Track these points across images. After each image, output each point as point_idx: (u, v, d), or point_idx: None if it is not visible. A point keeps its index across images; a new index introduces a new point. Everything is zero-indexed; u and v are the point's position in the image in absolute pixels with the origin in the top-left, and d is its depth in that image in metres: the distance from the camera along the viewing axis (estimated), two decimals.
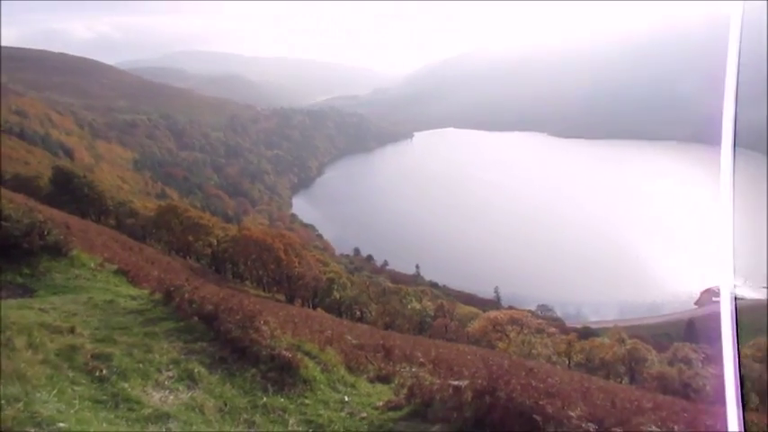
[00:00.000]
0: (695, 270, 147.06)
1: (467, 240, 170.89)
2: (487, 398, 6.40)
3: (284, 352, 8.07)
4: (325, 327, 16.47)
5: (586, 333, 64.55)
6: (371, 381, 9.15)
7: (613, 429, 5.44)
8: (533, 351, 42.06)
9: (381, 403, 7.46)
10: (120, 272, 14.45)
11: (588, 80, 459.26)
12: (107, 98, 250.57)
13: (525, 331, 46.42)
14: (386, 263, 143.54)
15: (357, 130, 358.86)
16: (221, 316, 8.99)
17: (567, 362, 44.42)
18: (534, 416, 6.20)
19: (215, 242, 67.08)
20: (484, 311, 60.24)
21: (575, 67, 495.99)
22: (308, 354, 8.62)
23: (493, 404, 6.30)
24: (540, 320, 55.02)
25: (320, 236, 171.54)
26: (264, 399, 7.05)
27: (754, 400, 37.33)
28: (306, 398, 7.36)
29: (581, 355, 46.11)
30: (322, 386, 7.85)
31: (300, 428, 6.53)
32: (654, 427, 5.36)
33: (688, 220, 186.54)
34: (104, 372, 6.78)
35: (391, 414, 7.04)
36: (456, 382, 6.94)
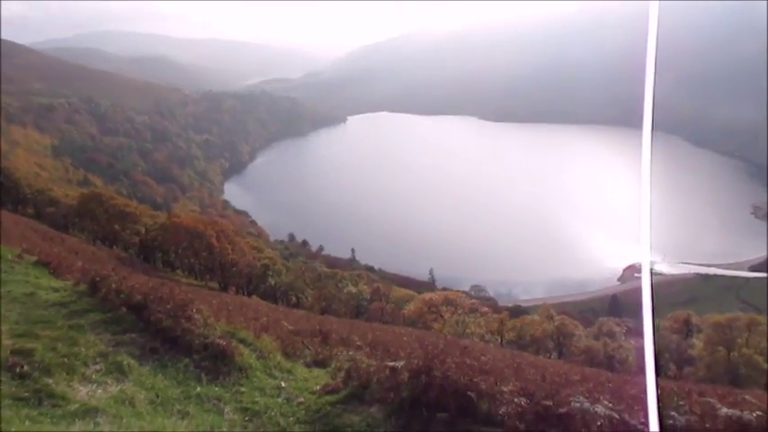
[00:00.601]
0: (618, 248, 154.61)
1: (401, 224, 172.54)
2: (423, 377, 6.50)
3: (218, 340, 7.91)
4: (260, 314, 16.29)
5: (517, 311, 66.65)
6: (308, 366, 9.13)
7: (543, 402, 5.65)
8: (467, 330, 43.04)
9: (318, 387, 7.45)
10: (41, 263, 13.72)
11: (516, 64, 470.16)
12: (22, 81, 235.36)
13: (459, 311, 47.39)
14: (321, 248, 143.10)
15: (290, 114, 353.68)
16: (151, 306, 8.70)
17: (500, 340, 45.78)
18: (469, 393, 6.35)
19: (143, 230, 64.84)
20: (419, 293, 61.15)
21: (503, 51, 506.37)
22: (242, 341, 8.49)
23: (429, 383, 6.41)
24: (473, 301, 56.22)
25: (254, 222, 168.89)
26: (198, 388, 6.89)
27: (672, 368, 39.84)
28: (241, 386, 7.25)
29: (513, 332, 47.60)
30: (258, 373, 7.76)
31: (236, 417, 6.43)
32: (581, 398, 5.59)
33: (611, 201, 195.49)
34: (26, 368, 6.44)
35: (329, 398, 7.04)
36: (392, 364, 7.01)
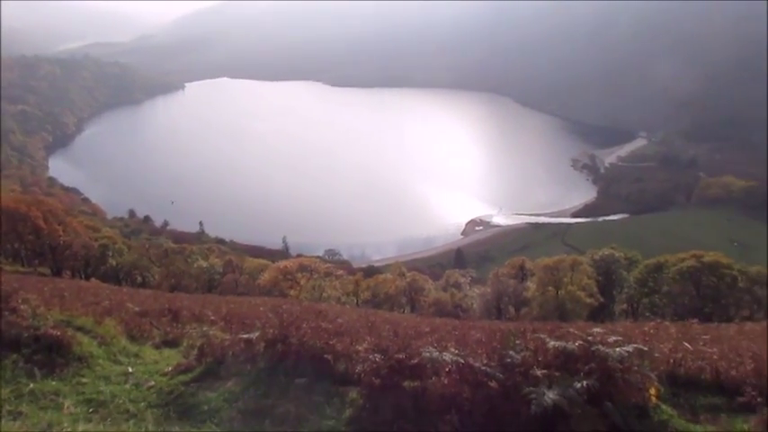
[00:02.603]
0: (461, 204, 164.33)
1: (250, 193, 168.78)
2: (279, 345, 6.49)
3: (51, 330, 7.23)
4: (101, 297, 15.13)
5: (371, 271, 68.51)
6: (158, 347, 8.72)
7: (397, 356, 5.90)
8: (324, 294, 43.56)
9: (170, 368, 7.15)
10: None
11: (358, 33, 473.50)
12: None
13: (315, 276, 47.72)
14: (166, 222, 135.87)
15: (120, 81, 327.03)
16: None
17: (356, 300, 46.91)
18: (325, 355, 6.47)
19: None
20: (273, 262, 60.44)
21: (346, 20, 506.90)
22: (81, 329, 7.86)
23: (285, 351, 6.42)
24: (328, 265, 56.85)
25: (87, 199, 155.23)
26: (31, 385, 6.27)
27: (511, 310, 43.54)
28: (82, 376, 6.73)
29: (367, 292, 48.95)
30: (101, 361, 7.25)
31: (78, 410, 5.95)
32: (431, 349, 5.92)
33: (454, 160, 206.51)
34: None
35: (182, 377, 6.79)
36: (247, 336, 6.91)
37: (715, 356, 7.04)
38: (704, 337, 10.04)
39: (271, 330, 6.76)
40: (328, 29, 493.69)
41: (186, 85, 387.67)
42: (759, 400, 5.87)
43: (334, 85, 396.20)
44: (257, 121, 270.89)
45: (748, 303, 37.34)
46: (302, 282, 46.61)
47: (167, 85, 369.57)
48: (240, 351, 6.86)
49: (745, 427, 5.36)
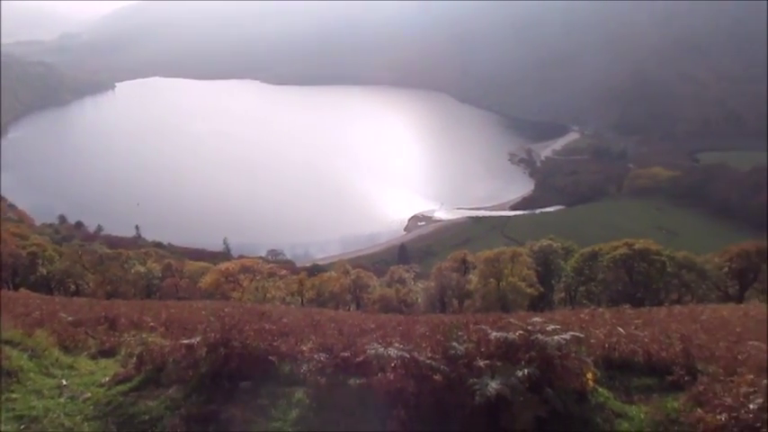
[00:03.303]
0: (403, 200, 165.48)
1: (188, 194, 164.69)
2: (222, 349, 6.37)
3: None
4: (31, 308, 14.41)
5: (315, 270, 68.23)
6: (94, 357, 8.41)
7: (342, 354, 5.91)
8: (268, 295, 43.02)
9: (107, 379, 6.90)
10: None
11: (294, 27, 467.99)
12: None
13: (258, 277, 47.01)
14: (100, 228, 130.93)
15: (46, 81, 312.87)
16: None
17: (300, 300, 46.56)
18: (270, 357, 6.40)
19: None
20: (215, 264, 59.17)
21: (280, 14, 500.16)
22: (9, 342, 7.47)
23: (228, 354, 6.30)
24: (271, 265, 56.14)
25: (13, 206, 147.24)
26: None
27: (455, 303, 44.22)
28: (12, 392, 6.41)
29: (312, 291, 48.67)
30: (32, 374, 6.92)
31: (10, 426, 5.68)
32: (376, 345, 5.95)
33: (395, 157, 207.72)
34: None
35: (120, 387, 6.57)
36: (188, 341, 6.74)
37: (646, 339, 7.39)
38: (636, 321, 10.52)
39: (213, 334, 6.62)
40: (263, 26, 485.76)
41: (116, 84, 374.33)
42: (687, 378, 6.21)
43: (271, 83, 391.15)
44: (193, 121, 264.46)
45: (677, 287, 39.28)
46: (245, 283, 45.87)
47: (96, 84, 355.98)
48: (181, 357, 6.69)
49: (675, 404, 5.65)
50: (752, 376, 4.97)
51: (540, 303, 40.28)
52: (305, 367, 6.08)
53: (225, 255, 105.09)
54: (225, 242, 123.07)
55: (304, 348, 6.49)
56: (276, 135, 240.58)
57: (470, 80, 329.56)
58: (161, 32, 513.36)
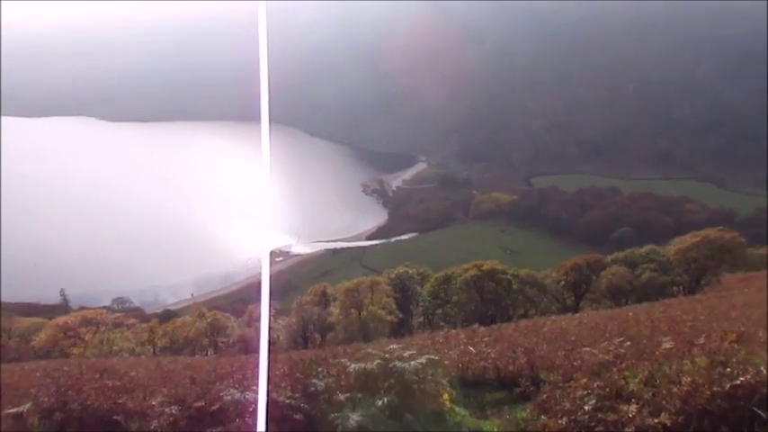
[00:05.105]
0: (259, 236, 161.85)
1: (16, 244, 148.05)
2: (58, 414, 5.75)
3: None
4: None
5: (168, 316, 64.35)
6: None
7: (195, 404, 5.59)
8: (114, 348, 39.73)
9: None
10: None
11: (138, 61, 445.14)
12: None
13: (102, 329, 43.32)
14: None
15: None
16: None
17: (152, 349, 43.53)
18: (115, 416, 5.88)
19: None
20: (51, 319, 53.59)
21: (121, 52, 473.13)
22: None
23: (66, 419, 5.71)
24: (117, 315, 52.14)
25: None
26: None
27: (317, 337, 43.81)
28: None
29: (165, 338, 45.63)
30: None
31: None
32: (232, 390, 5.71)
33: (247, 193, 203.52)
34: None
35: None
36: (15, 410, 6.00)
37: (494, 356, 7.85)
38: (487, 338, 11.15)
39: (46, 398, 5.96)
40: (94, 59, 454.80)
41: None
42: (532, 388, 6.68)
43: (108, 119, 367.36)
44: (19, 163, 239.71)
45: (522, 302, 42.27)
46: (87, 337, 42.00)
47: None
48: (9, 429, 5.93)
49: (524, 414, 6.04)
50: (585, 380, 5.44)
51: (400, 329, 41.16)
52: (155, 423, 5.66)
53: (63, 307, 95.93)
54: (62, 293, 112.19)
55: (153, 403, 6.05)
56: (117, 175, 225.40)
57: (319, 113, 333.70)
58: None
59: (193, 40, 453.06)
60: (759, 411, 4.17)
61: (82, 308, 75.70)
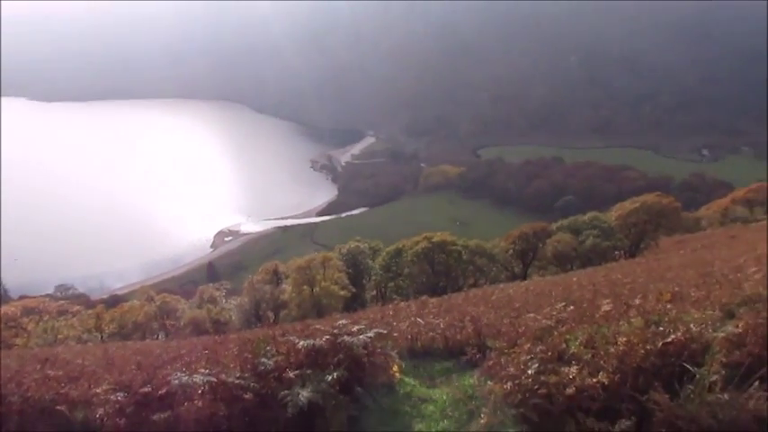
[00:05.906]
0: (207, 217, 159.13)
1: None
2: None
3: None
4: None
5: (115, 301, 62.85)
6: None
7: (142, 390, 5.50)
8: (60, 336, 38.56)
9: None
10: None
11: (68, 37, 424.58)
12: None
13: (46, 318, 41.95)
14: None
15: None
16: None
17: (100, 336, 42.46)
18: (58, 407, 5.74)
19: None
20: None
21: (48, 23, 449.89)
22: None
23: (5, 413, 5.53)
24: (60, 302, 50.57)
25: None
26: None
27: (271, 315, 43.64)
28: None
29: (113, 324, 44.58)
30: None
31: None
32: (180, 374, 5.64)
33: (193, 172, 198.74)
34: None
35: None
36: None
37: (443, 326, 8.02)
38: (435, 310, 11.36)
39: None
40: (23, 36, 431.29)
41: None
42: (479, 356, 6.87)
43: (40, 99, 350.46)
44: None
45: (472, 272, 43.14)
46: (30, 327, 40.56)
47: None
48: None
49: (471, 381, 6.21)
50: (529, 345, 5.63)
51: (353, 304, 41.39)
52: (101, 411, 5.55)
53: (2, 297, 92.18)
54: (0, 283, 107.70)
55: (98, 390, 5.92)
56: (56, 158, 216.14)
57: (265, 89, 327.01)
58: None
59: (126, 20, 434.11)
60: (688, 366, 4.42)
61: (23, 297, 73.03)
